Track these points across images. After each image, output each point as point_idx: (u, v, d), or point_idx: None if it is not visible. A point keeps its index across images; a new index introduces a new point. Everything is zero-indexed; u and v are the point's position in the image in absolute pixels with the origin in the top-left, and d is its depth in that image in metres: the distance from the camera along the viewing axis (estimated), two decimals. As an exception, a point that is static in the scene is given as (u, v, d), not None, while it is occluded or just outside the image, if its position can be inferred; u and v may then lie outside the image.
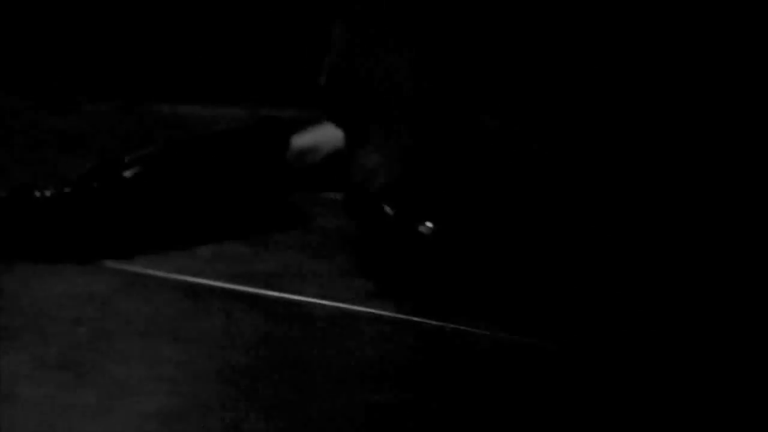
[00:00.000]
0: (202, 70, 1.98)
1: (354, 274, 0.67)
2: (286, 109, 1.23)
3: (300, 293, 0.62)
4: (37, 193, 0.70)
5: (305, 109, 1.06)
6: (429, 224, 0.66)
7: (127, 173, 0.74)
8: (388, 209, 0.69)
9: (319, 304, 0.60)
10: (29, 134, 1.39)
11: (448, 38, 0.81)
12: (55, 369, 0.47)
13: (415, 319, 0.58)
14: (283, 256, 0.72)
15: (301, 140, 1.01)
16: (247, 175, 0.84)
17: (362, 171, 0.75)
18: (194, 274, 0.65)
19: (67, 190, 0.71)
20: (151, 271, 0.66)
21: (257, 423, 0.42)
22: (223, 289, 0.63)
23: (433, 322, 0.57)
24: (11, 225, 0.69)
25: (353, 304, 0.60)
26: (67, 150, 1.24)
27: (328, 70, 0.83)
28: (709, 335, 0.58)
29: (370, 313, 0.59)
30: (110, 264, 0.67)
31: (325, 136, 1.02)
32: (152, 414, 0.43)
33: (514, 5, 0.82)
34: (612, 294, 0.66)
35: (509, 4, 0.82)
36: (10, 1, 1.96)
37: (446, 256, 0.66)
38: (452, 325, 0.56)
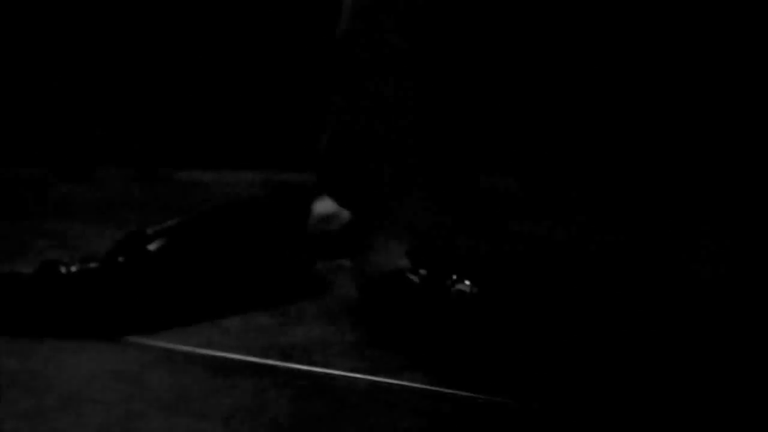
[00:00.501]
0: (215, 135, 1.99)
1: (380, 345, 0.67)
2: (301, 173, 1.23)
3: (329, 366, 0.62)
4: (63, 269, 0.70)
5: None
6: (467, 282, 0.66)
7: (152, 247, 0.75)
8: (414, 278, 0.69)
9: (350, 377, 0.60)
10: (49, 204, 1.40)
11: (448, 97, 0.81)
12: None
13: (448, 390, 0.57)
14: (309, 327, 0.72)
15: (322, 207, 1.01)
16: (270, 245, 0.84)
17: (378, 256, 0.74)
18: (222, 349, 0.65)
19: (93, 265, 0.71)
20: (178, 347, 0.66)
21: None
22: (251, 363, 0.62)
23: (466, 393, 0.57)
24: (38, 302, 0.69)
25: (384, 376, 0.60)
26: (89, 219, 1.24)
27: (328, 140, 0.82)
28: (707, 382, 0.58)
29: (402, 385, 0.58)
30: (137, 340, 0.67)
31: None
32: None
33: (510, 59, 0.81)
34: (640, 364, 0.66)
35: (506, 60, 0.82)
36: (22, 69, 1.97)
37: (484, 315, 0.66)
38: (484, 396, 0.56)
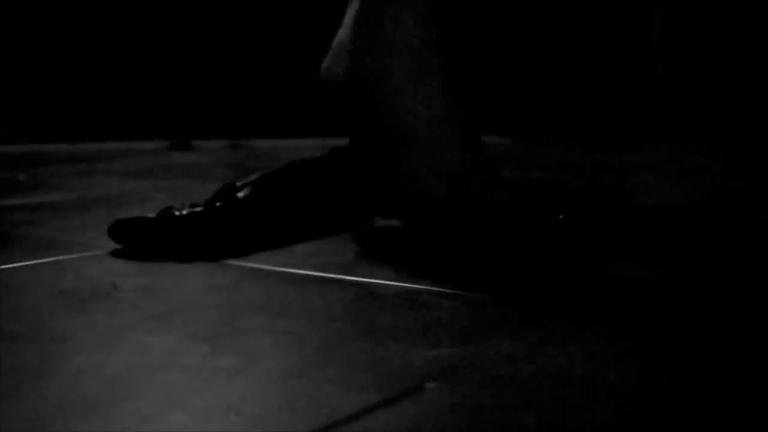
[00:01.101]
0: (286, 111, 1.98)
1: (414, 260, 0.67)
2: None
3: (373, 277, 0.62)
4: (177, 213, 0.71)
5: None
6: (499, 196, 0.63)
7: (240, 195, 0.75)
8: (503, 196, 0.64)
9: (389, 284, 0.60)
10: (163, 168, 1.40)
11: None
12: (202, 341, 0.48)
13: (465, 293, 0.57)
14: (358, 248, 0.72)
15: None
16: (326, 192, 0.84)
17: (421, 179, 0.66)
18: (294, 266, 0.66)
19: (198, 209, 0.72)
20: (262, 266, 0.66)
21: (351, 375, 0.42)
22: (316, 276, 0.63)
23: (480, 295, 0.57)
24: (160, 236, 0.70)
25: (414, 283, 0.60)
26: (194, 178, 1.25)
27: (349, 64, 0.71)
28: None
29: (428, 289, 0.59)
30: (232, 262, 0.67)
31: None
32: (278, 371, 0.43)
33: None
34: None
35: None
36: (140, 63, 1.97)
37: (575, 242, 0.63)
38: (496, 298, 0.56)
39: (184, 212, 0.71)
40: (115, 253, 0.70)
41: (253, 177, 0.79)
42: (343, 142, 0.91)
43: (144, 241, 0.70)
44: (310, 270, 0.64)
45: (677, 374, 0.42)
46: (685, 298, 0.57)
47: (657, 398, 0.39)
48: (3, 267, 0.66)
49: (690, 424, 0.36)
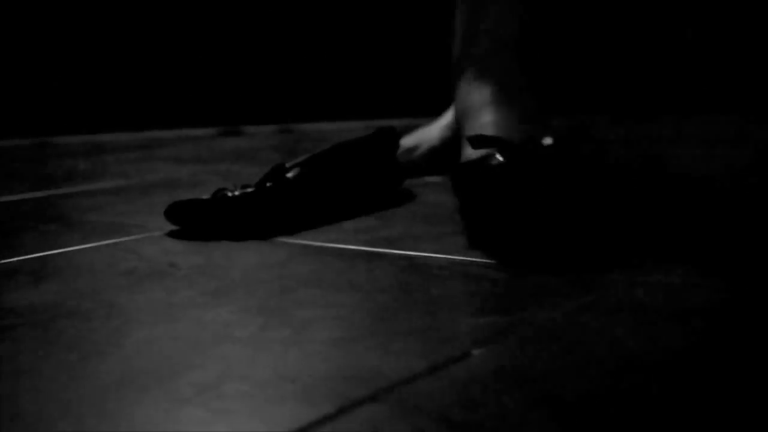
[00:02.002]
0: (331, 97, 1.98)
1: (457, 234, 0.67)
2: (394, 119, 1.23)
3: (418, 250, 0.62)
4: (229, 194, 0.71)
5: (408, 118, 1.06)
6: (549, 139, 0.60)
7: (289, 175, 0.75)
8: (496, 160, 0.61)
9: (434, 257, 0.60)
10: (215, 153, 1.41)
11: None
12: (256, 315, 0.48)
13: (511, 264, 0.57)
14: (403, 224, 0.72)
15: (407, 141, 1.01)
16: (371, 170, 0.84)
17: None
18: (342, 242, 0.66)
19: (249, 190, 0.72)
20: (312, 242, 0.66)
21: (399, 344, 0.42)
22: (363, 251, 0.63)
23: (516, 265, 0.57)
24: (215, 216, 0.70)
25: (459, 255, 0.60)
26: (244, 162, 1.25)
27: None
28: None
29: (470, 260, 0.58)
30: (283, 239, 0.68)
31: (424, 136, 1.01)
32: (329, 341, 0.43)
33: None
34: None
35: None
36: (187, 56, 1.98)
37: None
38: (532, 267, 0.56)
39: (237, 193, 0.71)
40: (172, 234, 0.71)
41: (301, 158, 0.79)
42: (386, 123, 0.91)
43: (199, 221, 0.71)
44: (358, 245, 0.65)
45: (718, 342, 0.42)
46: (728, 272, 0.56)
47: (702, 366, 0.38)
48: (68, 249, 0.67)
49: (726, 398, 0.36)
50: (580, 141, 0.61)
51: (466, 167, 0.63)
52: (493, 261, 0.58)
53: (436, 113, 1.02)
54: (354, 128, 1.49)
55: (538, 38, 0.72)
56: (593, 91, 1.89)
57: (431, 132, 0.99)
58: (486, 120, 0.70)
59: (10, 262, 0.64)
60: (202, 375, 0.39)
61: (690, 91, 1.86)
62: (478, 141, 0.62)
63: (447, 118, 0.98)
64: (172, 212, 0.71)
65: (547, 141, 0.60)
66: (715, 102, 1.81)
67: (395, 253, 0.62)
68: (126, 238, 0.70)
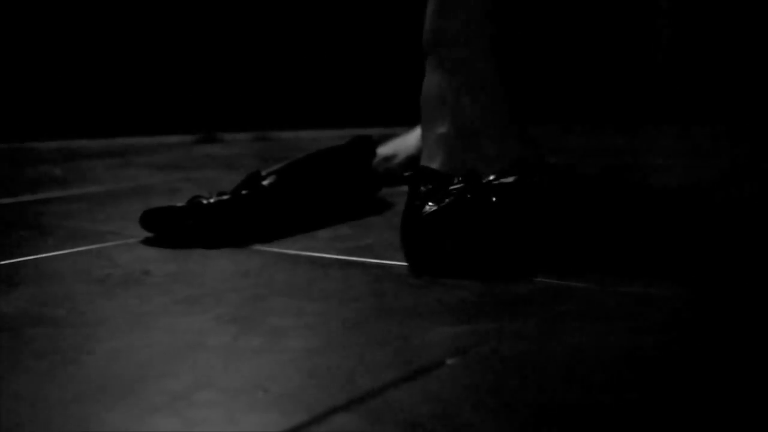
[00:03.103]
0: (309, 104, 1.98)
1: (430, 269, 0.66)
2: (371, 128, 1.23)
3: (394, 259, 0.62)
4: (205, 201, 0.71)
5: (384, 127, 1.06)
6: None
7: (265, 183, 0.75)
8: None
9: (408, 266, 0.60)
10: (192, 160, 1.41)
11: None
12: (229, 323, 0.48)
13: (485, 274, 0.57)
14: (378, 233, 0.72)
15: (384, 150, 1.01)
16: (347, 179, 0.84)
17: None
18: (318, 251, 0.66)
19: (225, 197, 0.72)
20: (287, 251, 0.66)
21: (373, 353, 0.42)
22: (338, 260, 0.63)
23: (489, 275, 0.57)
24: (189, 224, 0.70)
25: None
26: (221, 169, 1.25)
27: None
28: None
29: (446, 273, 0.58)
30: (258, 247, 0.67)
31: (402, 145, 1.02)
32: (302, 350, 0.43)
33: None
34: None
35: None
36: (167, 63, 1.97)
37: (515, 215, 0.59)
38: (505, 277, 0.56)
39: (212, 200, 0.71)
40: (147, 241, 0.70)
41: (277, 166, 0.79)
42: (363, 132, 0.91)
43: (173, 228, 0.70)
44: (333, 254, 0.64)
45: (696, 345, 0.42)
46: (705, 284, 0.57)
47: (675, 371, 0.39)
48: (41, 256, 0.66)
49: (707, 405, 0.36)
50: (530, 170, 0.60)
51: (406, 219, 0.60)
52: (468, 272, 0.57)
53: (412, 123, 1.03)
54: (330, 137, 1.49)
55: (514, 36, 0.70)
56: (572, 98, 1.90)
57: (408, 140, 0.99)
58: (438, 131, 0.65)
59: (-18, 268, 0.63)
60: (175, 383, 0.39)
61: (672, 101, 1.88)
62: (413, 178, 0.61)
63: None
64: (147, 219, 0.71)
65: (489, 178, 0.59)
66: (699, 112, 1.83)
67: (370, 262, 0.62)
68: (100, 245, 0.70)
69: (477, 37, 0.67)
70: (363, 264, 0.61)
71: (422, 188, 0.60)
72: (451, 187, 0.58)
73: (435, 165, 0.64)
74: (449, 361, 0.40)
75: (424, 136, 0.68)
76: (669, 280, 0.55)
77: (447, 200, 0.57)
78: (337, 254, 0.64)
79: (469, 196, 0.57)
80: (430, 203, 0.57)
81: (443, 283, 0.55)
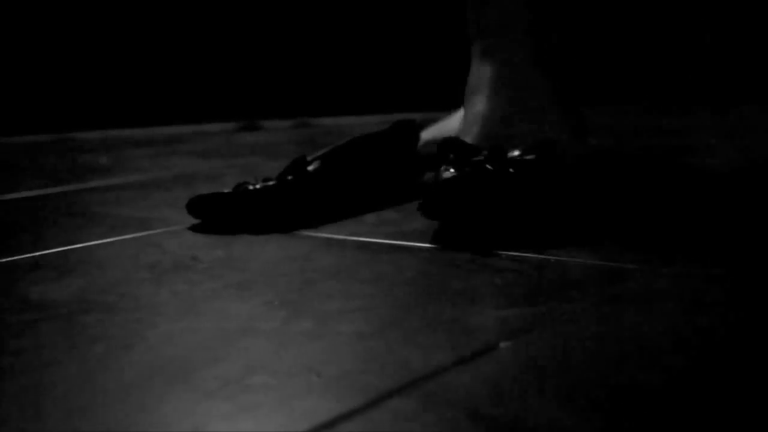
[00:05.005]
0: (349, 90, 1.98)
1: (473, 228, 0.66)
2: (412, 113, 1.22)
3: (441, 243, 0.62)
4: (251, 187, 0.71)
5: (425, 112, 1.05)
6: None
7: (310, 168, 0.75)
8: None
9: (457, 250, 0.59)
10: (234, 148, 1.41)
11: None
12: (279, 308, 0.47)
13: (526, 254, 0.56)
14: (421, 217, 0.72)
15: (426, 134, 1.00)
16: (391, 163, 0.84)
17: None
18: (364, 235, 0.65)
19: (271, 183, 0.72)
20: (333, 236, 0.66)
21: (425, 336, 0.42)
22: (386, 244, 0.62)
23: (541, 256, 0.56)
24: (236, 209, 0.70)
25: (481, 247, 0.59)
26: (264, 156, 1.25)
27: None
28: None
29: (495, 253, 0.58)
30: (305, 233, 0.67)
31: (444, 129, 1.01)
32: (354, 334, 0.43)
33: None
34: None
35: None
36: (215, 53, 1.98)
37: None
38: (554, 257, 0.55)
39: (258, 186, 0.71)
40: (194, 228, 0.70)
41: (322, 151, 0.78)
42: (403, 116, 0.90)
43: (220, 215, 0.70)
44: (380, 238, 0.64)
45: (740, 325, 0.41)
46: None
47: (724, 354, 0.38)
48: (90, 243, 0.67)
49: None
50: (550, 152, 0.62)
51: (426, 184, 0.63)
52: (517, 253, 0.57)
53: (454, 107, 1.02)
54: (371, 122, 1.48)
55: (556, 23, 0.71)
56: (623, 81, 1.88)
57: (451, 124, 0.98)
58: (476, 110, 0.68)
59: (33, 256, 0.63)
60: (227, 368, 0.38)
61: (721, 82, 1.85)
62: (442, 147, 0.64)
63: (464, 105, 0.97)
64: (194, 206, 0.71)
65: (514, 153, 0.62)
66: (747, 93, 1.79)
67: (417, 246, 0.61)
68: (148, 232, 0.70)
69: (514, 25, 0.69)
70: (410, 248, 0.60)
71: (450, 157, 0.63)
72: (474, 159, 0.61)
73: (468, 139, 0.66)
74: (503, 344, 0.40)
75: (464, 117, 0.70)
76: (722, 261, 0.53)
77: (466, 169, 0.60)
78: (384, 239, 0.64)
79: (488, 166, 0.60)
80: (451, 170, 0.60)
81: (493, 265, 0.54)
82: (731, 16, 1.87)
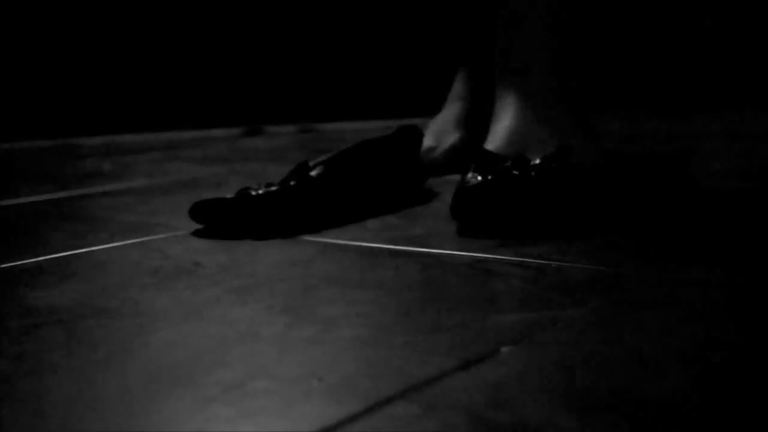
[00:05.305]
0: (352, 96, 1.98)
1: (477, 232, 0.66)
2: (413, 119, 1.23)
3: (442, 248, 0.62)
4: (253, 192, 0.71)
5: (428, 118, 1.05)
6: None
7: (313, 173, 0.75)
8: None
9: (459, 255, 0.59)
10: (237, 153, 1.41)
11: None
12: (281, 313, 0.47)
13: (531, 261, 0.56)
14: (426, 223, 0.72)
15: (428, 140, 1.00)
16: (394, 168, 0.84)
17: None
18: (367, 240, 0.65)
19: (273, 188, 0.72)
20: (336, 241, 0.66)
21: (426, 342, 0.42)
22: (388, 249, 0.62)
23: (544, 262, 0.56)
24: (238, 215, 0.70)
25: (483, 253, 0.59)
26: (267, 161, 1.25)
27: None
28: None
29: (497, 258, 0.58)
30: (307, 238, 0.67)
31: (442, 134, 1.01)
32: (355, 339, 0.43)
33: None
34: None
35: None
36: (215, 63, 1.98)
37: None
38: (556, 263, 0.55)
39: (260, 192, 0.71)
40: (196, 233, 0.70)
41: (324, 156, 0.78)
42: (406, 122, 0.90)
43: (223, 220, 0.70)
44: (382, 243, 0.64)
45: (742, 335, 0.41)
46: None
47: (724, 361, 0.38)
48: (93, 248, 0.67)
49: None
50: (568, 158, 0.66)
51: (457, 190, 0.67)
52: (517, 258, 0.57)
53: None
54: (374, 128, 1.48)
55: (576, 44, 0.74)
56: (629, 86, 1.88)
57: (448, 128, 0.99)
58: (503, 124, 0.72)
59: (35, 261, 0.63)
60: (229, 373, 0.38)
61: (719, 88, 1.84)
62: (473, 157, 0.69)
63: (453, 109, 0.99)
64: (197, 211, 0.71)
65: (536, 161, 0.66)
66: (746, 98, 1.79)
67: (419, 251, 0.61)
68: (150, 237, 0.70)
69: (536, 52, 0.74)
70: (412, 253, 0.60)
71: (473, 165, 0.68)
72: (499, 167, 0.66)
73: (493, 148, 0.70)
74: (504, 350, 0.40)
75: (490, 130, 0.74)
76: (725, 267, 0.53)
77: (490, 176, 0.65)
78: (386, 244, 0.64)
79: (514, 172, 0.65)
80: (479, 176, 0.65)
81: (495, 271, 0.54)
82: (731, 15, 1.87)
